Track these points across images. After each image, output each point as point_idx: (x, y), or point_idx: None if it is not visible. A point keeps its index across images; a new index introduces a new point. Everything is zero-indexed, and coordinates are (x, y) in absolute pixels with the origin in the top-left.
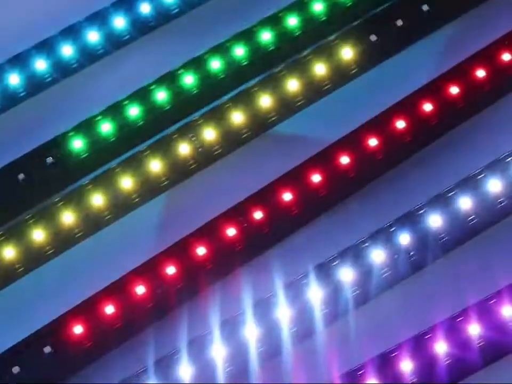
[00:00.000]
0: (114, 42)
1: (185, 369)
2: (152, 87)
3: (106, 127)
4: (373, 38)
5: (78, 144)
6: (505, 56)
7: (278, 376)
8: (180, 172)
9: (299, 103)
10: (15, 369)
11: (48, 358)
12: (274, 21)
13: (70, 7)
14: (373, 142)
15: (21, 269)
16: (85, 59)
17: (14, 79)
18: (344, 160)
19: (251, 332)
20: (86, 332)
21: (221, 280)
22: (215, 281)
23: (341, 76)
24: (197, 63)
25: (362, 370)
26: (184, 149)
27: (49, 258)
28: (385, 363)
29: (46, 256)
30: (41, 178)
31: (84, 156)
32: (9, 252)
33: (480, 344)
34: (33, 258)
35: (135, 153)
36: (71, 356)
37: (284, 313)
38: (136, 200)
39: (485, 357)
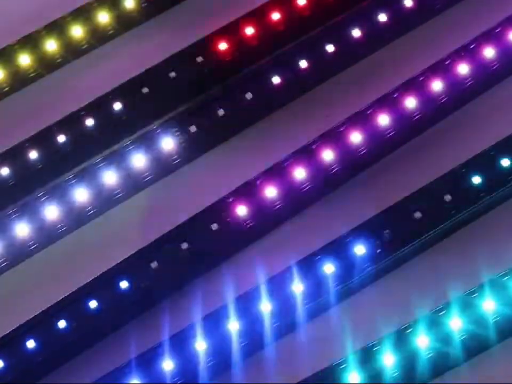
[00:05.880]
0: (99, 37)
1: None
2: (137, 81)
3: (89, 122)
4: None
5: (61, 138)
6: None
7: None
8: (163, 167)
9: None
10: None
11: None
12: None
13: (54, 2)
14: (356, 137)
15: (5, 263)
16: (69, 54)
17: None
18: (328, 155)
19: (233, 326)
20: None
21: (203, 276)
22: (198, 276)
23: (321, 71)
24: (182, 58)
25: (344, 365)
26: (167, 143)
27: (32, 253)
28: (367, 357)
29: (29, 251)
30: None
31: (68, 150)
32: None
33: (462, 337)
34: (16, 253)
35: (118, 148)
36: None
37: (266, 307)
38: (119, 195)
39: (466, 351)
